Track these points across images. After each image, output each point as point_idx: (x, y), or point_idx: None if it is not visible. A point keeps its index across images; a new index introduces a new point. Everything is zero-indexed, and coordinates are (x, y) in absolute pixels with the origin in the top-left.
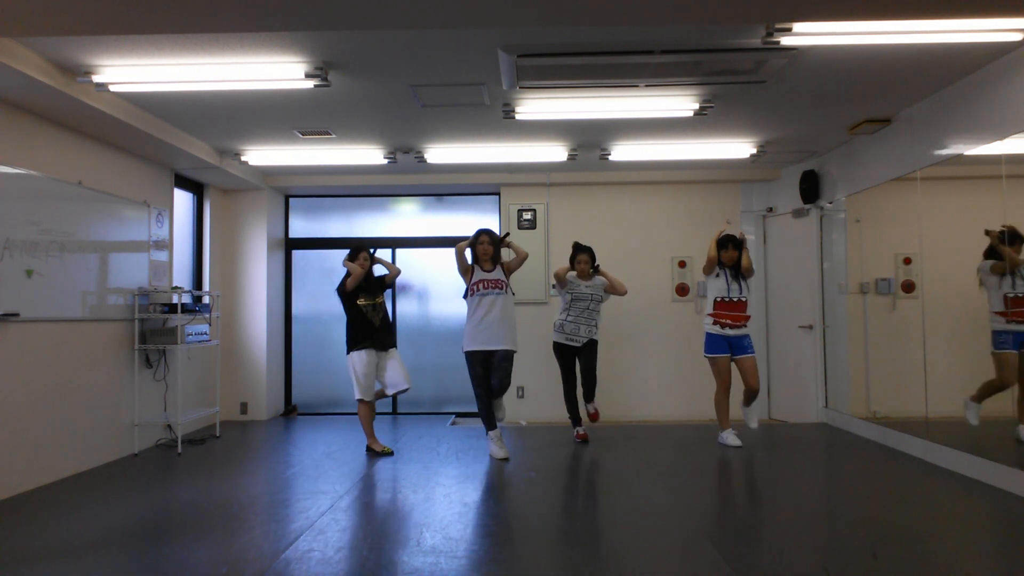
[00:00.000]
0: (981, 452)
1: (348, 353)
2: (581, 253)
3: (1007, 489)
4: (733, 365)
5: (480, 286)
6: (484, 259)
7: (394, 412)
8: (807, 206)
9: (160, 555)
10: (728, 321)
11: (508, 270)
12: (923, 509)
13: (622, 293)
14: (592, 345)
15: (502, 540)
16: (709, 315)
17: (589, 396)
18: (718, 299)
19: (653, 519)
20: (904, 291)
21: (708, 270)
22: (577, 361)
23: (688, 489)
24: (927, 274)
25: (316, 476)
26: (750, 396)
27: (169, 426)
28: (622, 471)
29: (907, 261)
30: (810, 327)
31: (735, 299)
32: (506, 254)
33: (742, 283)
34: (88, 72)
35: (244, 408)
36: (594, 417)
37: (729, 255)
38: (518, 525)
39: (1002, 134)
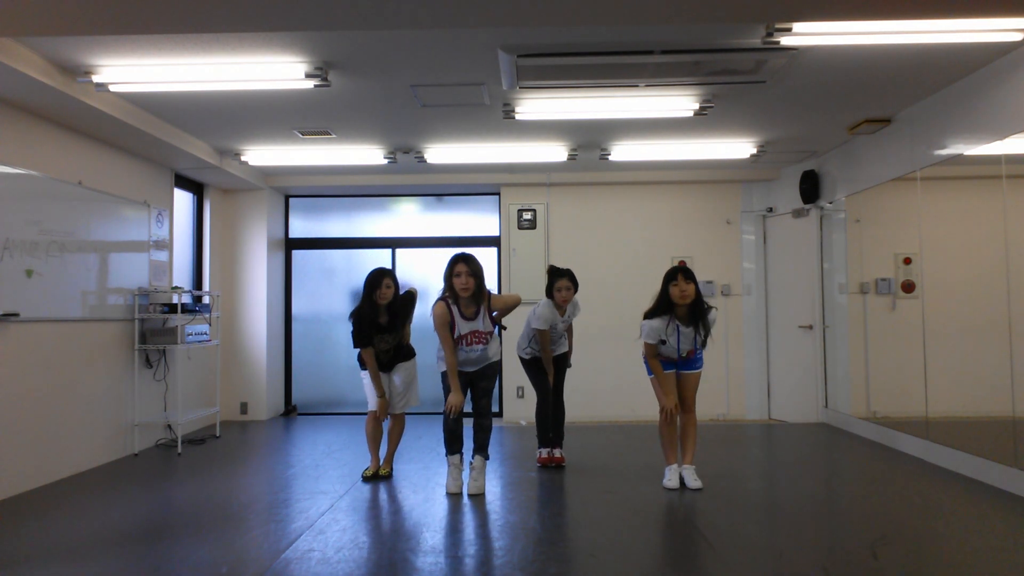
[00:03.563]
0: (981, 452)
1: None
2: (561, 278)
3: (1007, 489)
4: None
5: (464, 342)
6: (463, 296)
7: None
8: (807, 206)
9: (160, 555)
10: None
11: (495, 310)
12: (923, 509)
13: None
14: (564, 358)
15: (502, 540)
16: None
17: (558, 438)
18: (662, 357)
19: (652, 519)
20: (904, 291)
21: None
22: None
23: (688, 489)
24: (927, 274)
25: (316, 476)
26: (683, 429)
27: (169, 426)
28: (623, 471)
29: (907, 261)
30: (810, 327)
31: (684, 353)
32: (509, 283)
33: (700, 332)
34: (88, 72)
35: (244, 408)
36: (559, 461)
37: (682, 290)
38: (519, 525)
39: (1002, 134)
